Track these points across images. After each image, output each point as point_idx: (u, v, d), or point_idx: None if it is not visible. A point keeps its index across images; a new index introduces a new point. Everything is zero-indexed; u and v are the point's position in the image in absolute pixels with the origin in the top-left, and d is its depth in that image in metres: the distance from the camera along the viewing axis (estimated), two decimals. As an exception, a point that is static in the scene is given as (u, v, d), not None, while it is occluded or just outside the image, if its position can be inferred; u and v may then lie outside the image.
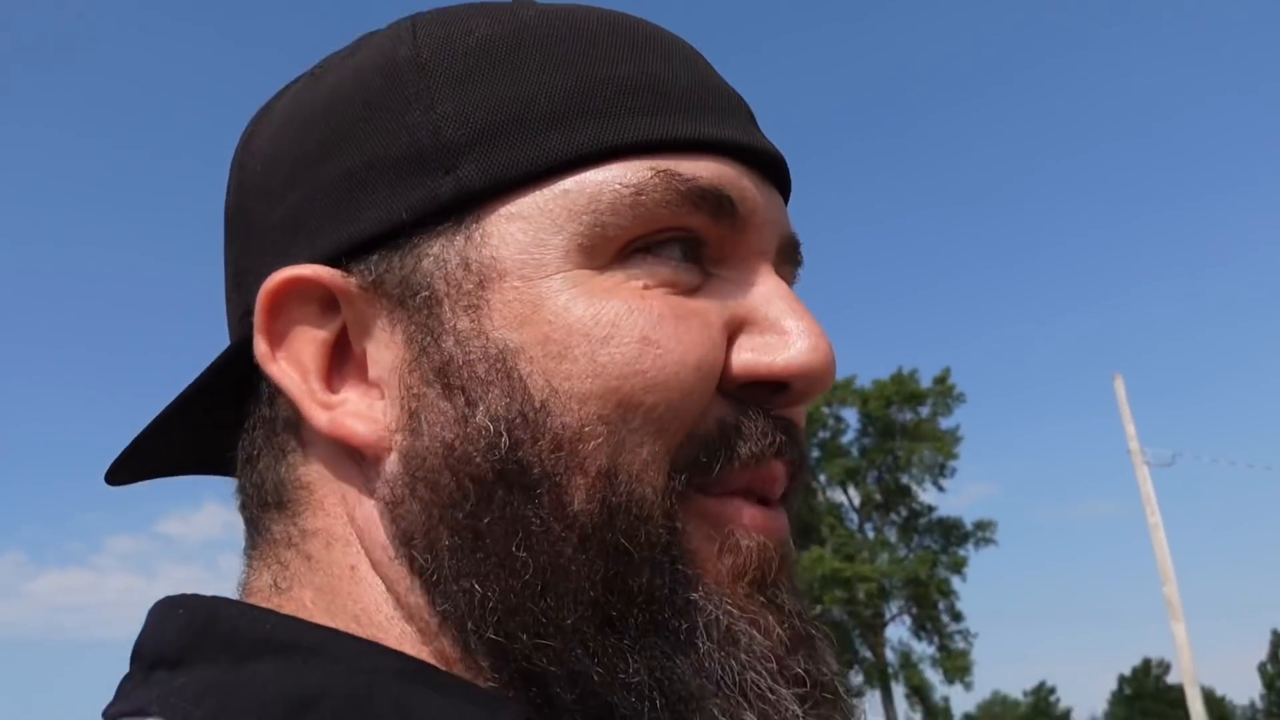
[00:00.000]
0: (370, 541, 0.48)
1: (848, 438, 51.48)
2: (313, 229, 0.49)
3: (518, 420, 0.45)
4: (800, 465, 0.51)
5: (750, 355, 0.48)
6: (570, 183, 0.47)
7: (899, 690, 49.92)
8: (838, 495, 51.98)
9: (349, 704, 0.40)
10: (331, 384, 0.49)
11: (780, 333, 0.48)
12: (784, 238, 0.53)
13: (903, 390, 49.04)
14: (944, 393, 49.15)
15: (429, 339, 0.47)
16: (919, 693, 49.89)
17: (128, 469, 0.57)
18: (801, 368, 0.48)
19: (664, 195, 0.47)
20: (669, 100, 0.49)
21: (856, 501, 51.79)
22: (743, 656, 0.44)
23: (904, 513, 51.24)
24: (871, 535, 51.39)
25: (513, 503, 0.44)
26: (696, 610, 0.44)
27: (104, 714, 0.45)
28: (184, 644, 0.45)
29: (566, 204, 0.46)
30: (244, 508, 0.54)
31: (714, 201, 0.48)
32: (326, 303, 0.49)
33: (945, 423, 49.39)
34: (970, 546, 49.75)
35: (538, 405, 0.45)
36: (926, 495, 52.16)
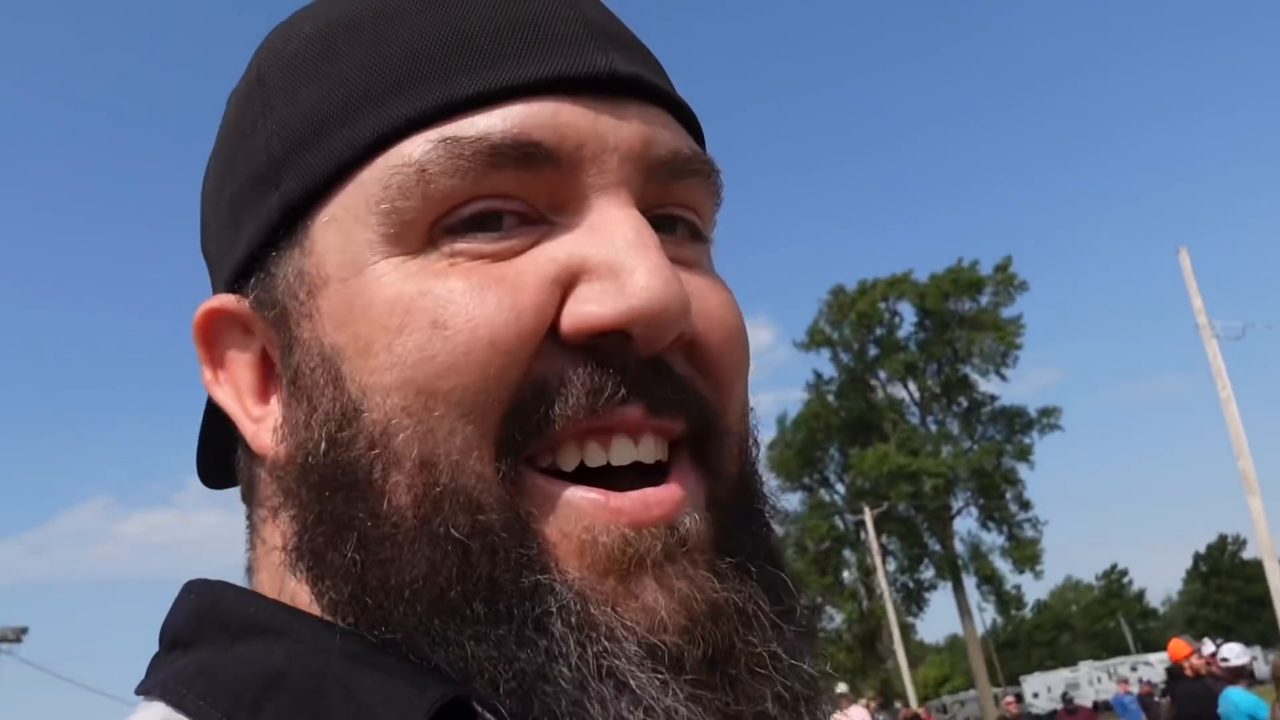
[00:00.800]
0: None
1: (904, 332, 50.85)
2: (222, 259, 0.53)
3: (341, 421, 0.45)
4: (687, 408, 0.48)
5: (578, 306, 0.45)
6: (366, 173, 0.46)
7: (970, 582, 50.06)
8: (898, 391, 51.56)
9: (305, 681, 0.43)
10: (266, 396, 0.51)
11: (615, 277, 0.45)
12: (654, 159, 0.49)
13: (960, 281, 48.05)
14: (1005, 281, 48.05)
15: (286, 352, 0.49)
16: (990, 583, 49.97)
17: (217, 475, 0.61)
18: (634, 313, 0.44)
19: (450, 165, 0.45)
20: (466, 53, 0.47)
21: (917, 396, 51.37)
22: (604, 642, 0.42)
23: (964, 404, 50.70)
24: (934, 429, 51.01)
25: (341, 505, 0.45)
26: (549, 594, 0.43)
27: (135, 690, 0.49)
28: (193, 627, 0.49)
29: (364, 196, 0.46)
30: (241, 497, 0.57)
31: (515, 154, 0.45)
32: (246, 325, 0.52)
33: (1007, 311, 48.42)
34: (1035, 434, 49.19)
35: (353, 404, 0.45)
36: (989, 385, 51.51)
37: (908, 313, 50.54)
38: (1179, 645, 12.26)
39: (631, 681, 0.42)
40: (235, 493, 0.57)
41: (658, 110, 0.51)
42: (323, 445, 0.46)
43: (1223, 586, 64.38)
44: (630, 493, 0.46)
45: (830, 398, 51.47)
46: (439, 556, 0.43)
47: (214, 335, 0.52)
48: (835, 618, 53.46)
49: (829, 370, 51.92)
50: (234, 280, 0.51)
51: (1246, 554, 62.08)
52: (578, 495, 0.45)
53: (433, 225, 0.46)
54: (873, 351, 50.90)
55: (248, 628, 0.47)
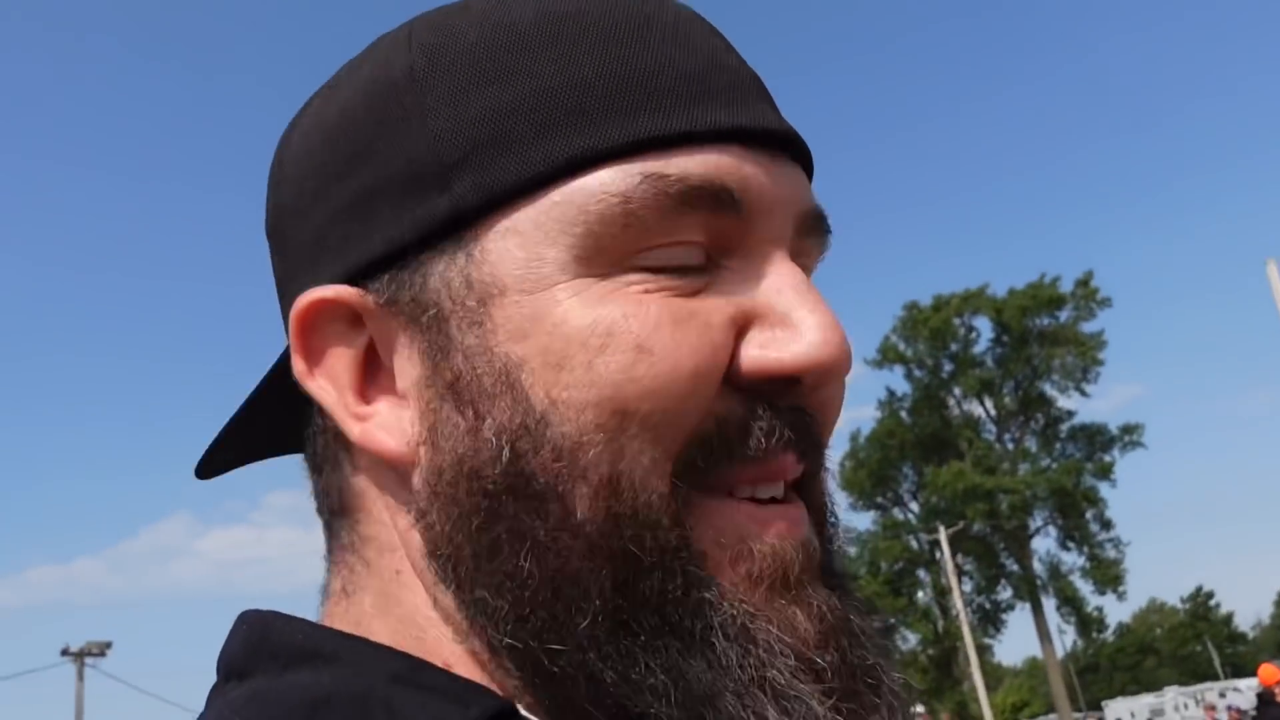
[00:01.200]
0: (410, 548, 0.50)
1: (980, 348, 50.16)
2: (333, 249, 0.52)
3: (520, 432, 0.46)
4: (813, 453, 0.51)
5: (758, 351, 0.48)
6: (559, 194, 0.47)
7: (1049, 603, 49.01)
8: (974, 408, 50.82)
9: (351, 704, 0.44)
10: (366, 395, 0.51)
11: (789, 326, 0.48)
12: (802, 215, 0.52)
13: (1040, 297, 47.27)
14: (1087, 296, 47.14)
15: (440, 355, 0.48)
16: (1071, 604, 48.86)
17: (217, 463, 0.61)
18: (810, 362, 0.47)
19: (654, 200, 0.46)
20: (662, 91, 0.48)
21: (993, 413, 50.61)
22: (761, 654, 0.44)
23: (1042, 421, 49.77)
24: (1011, 446, 50.14)
25: (519, 514, 0.46)
26: (712, 609, 0.45)
27: None
28: (245, 656, 0.50)
29: (557, 216, 0.47)
30: (319, 512, 0.56)
31: (710, 198, 0.47)
32: (353, 319, 0.51)
33: (1088, 326, 47.48)
34: (1116, 451, 48.06)
35: (538, 416, 0.45)
36: (1069, 402, 50.64)
37: (984, 328, 49.91)
38: (1270, 670, 12.05)
39: (791, 693, 0.44)
40: (311, 510, 0.56)
41: (799, 167, 0.53)
42: (504, 453, 0.46)
43: (1317, 611, 62.03)
44: (772, 507, 0.49)
45: (904, 415, 50.96)
46: (615, 570, 0.44)
47: (315, 327, 0.51)
48: (910, 639, 52.85)
49: (902, 387, 51.45)
50: (354, 274, 0.51)
51: (1343, 577, 59.72)
52: (733, 507, 0.48)
53: (626, 255, 0.47)
54: (947, 368, 50.31)
55: (297, 655, 0.48)
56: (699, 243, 0.48)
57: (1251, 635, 70.42)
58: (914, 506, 52.12)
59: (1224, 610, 70.68)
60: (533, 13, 0.50)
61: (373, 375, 0.52)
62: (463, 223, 0.48)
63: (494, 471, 0.46)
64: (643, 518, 0.45)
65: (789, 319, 0.48)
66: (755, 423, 0.48)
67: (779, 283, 0.49)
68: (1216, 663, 62.46)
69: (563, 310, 0.46)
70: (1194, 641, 67.28)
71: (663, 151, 0.47)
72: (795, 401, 0.49)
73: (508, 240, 0.47)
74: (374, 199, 0.50)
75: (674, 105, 0.48)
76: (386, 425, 0.50)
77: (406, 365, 0.50)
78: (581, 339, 0.45)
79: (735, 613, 0.45)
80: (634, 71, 0.48)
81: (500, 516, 0.46)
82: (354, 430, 0.50)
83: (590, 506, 0.45)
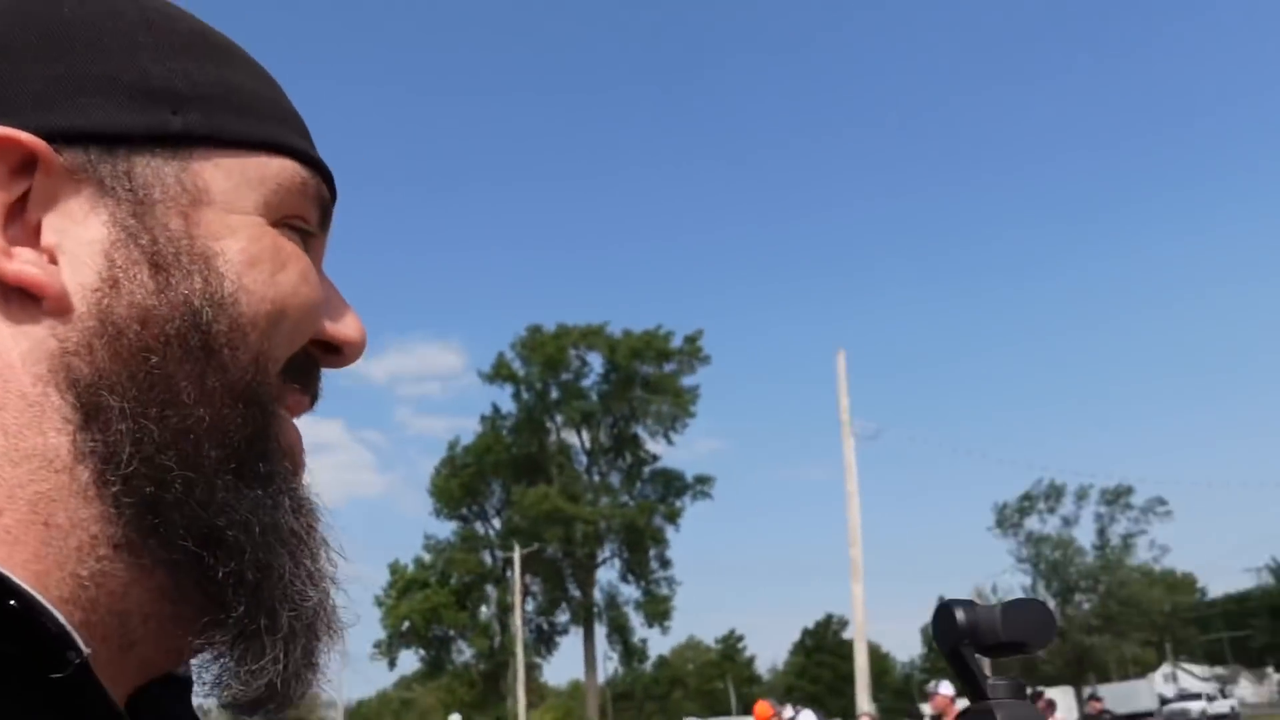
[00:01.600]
0: (3, 391, 0.53)
1: (589, 381, 52.31)
2: (23, 104, 0.56)
3: (210, 300, 0.56)
4: (312, 407, 0.66)
5: (331, 321, 0.63)
6: (263, 159, 0.61)
7: (601, 631, 51.70)
8: (571, 437, 52.75)
9: None
10: (8, 236, 0.55)
11: (341, 314, 0.64)
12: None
13: (652, 345, 50.09)
14: (692, 353, 50.75)
15: (140, 227, 0.56)
16: (620, 633, 51.84)
17: None
18: (359, 342, 0.65)
19: (313, 193, 0.63)
20: (302, 126, 0.66)
21: (588, 444, 52.84)
22: (307, 518, 0.58)
23: (629, 459, 52.64)
24: (597, 479, 52.51)
25: (192, 360, 0.55)
26: (288, 477, 0.58)
27: None
28: None
29: (259, 172, 0.60)
30: None
31: (325, 208, 0.65)
32: (19, 169, 0.55)
33: (688, 380, 51.04)
34: (688, 498, 51.86)
35: (227, 293, 0.56)
36: (656, 446, 53.79)
37: (596, 363, 52.13)
38: (764, 707, 13.81)
39: (329, 554, 0.60)
40: None
41: None
42: (192, 314, 0.55)
43: (822, 662, 70.73)
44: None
45: (505, 433, 51.87)
46: (245, 422, 0.56)
47: None
48: (466, 651, 53.43)
49: (509, 405, 52.44)
50: (42, 134, 0.55)
51: (846, 634, 68.40)
52: (292, 427, 0.62)
53: (285, 217, 0.62)
54: (555, 394, 51.96)
55: None
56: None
57: (767, 678, 78.57)
58: (496, 523, 53.09)
59: (749, 654, 78.54)
60: (222, 35, 0.65)
61: (7, 225, 0.55)
62: (185, 141, 0.58)
63: (180, 326, 0.55)
64: (268, 392, 0.57)
65: (340, 310, 0.64)
66: (314, 366, 0.64)
67: (331, 287, 0.65)
68: (733, 699, 69.04)
69: (256, 231, 0.59)
70: (719, 679, 73.92)
71: (309, 167, 0.63)
72: (333, 366, 0.66)
73: (218, 171, 0.59)
74: (92, 87, 0.57)
75: (307, 138, 0.65)
76: (35, 265, 0.54)
77: (73, 225, 0.56)
78: (271, 253, 0.58)
79: (295, 485, 0.59)
80: (290, 106, 0.65)
81: (174, 360, 0.54)
82: (6, 265, 0.54)
83: (243, 370, 0.56)
